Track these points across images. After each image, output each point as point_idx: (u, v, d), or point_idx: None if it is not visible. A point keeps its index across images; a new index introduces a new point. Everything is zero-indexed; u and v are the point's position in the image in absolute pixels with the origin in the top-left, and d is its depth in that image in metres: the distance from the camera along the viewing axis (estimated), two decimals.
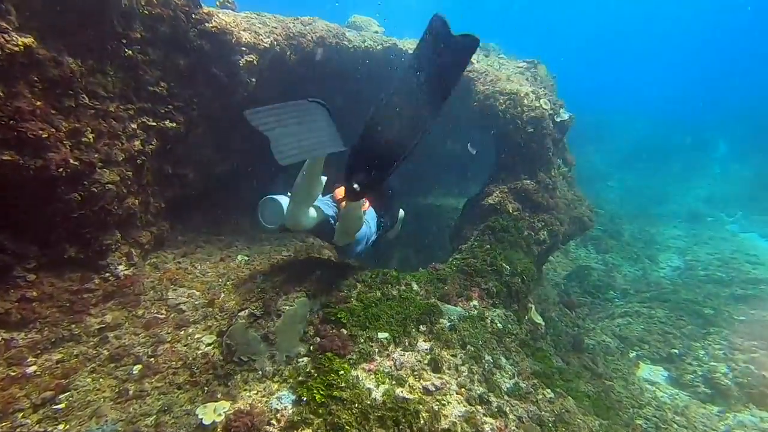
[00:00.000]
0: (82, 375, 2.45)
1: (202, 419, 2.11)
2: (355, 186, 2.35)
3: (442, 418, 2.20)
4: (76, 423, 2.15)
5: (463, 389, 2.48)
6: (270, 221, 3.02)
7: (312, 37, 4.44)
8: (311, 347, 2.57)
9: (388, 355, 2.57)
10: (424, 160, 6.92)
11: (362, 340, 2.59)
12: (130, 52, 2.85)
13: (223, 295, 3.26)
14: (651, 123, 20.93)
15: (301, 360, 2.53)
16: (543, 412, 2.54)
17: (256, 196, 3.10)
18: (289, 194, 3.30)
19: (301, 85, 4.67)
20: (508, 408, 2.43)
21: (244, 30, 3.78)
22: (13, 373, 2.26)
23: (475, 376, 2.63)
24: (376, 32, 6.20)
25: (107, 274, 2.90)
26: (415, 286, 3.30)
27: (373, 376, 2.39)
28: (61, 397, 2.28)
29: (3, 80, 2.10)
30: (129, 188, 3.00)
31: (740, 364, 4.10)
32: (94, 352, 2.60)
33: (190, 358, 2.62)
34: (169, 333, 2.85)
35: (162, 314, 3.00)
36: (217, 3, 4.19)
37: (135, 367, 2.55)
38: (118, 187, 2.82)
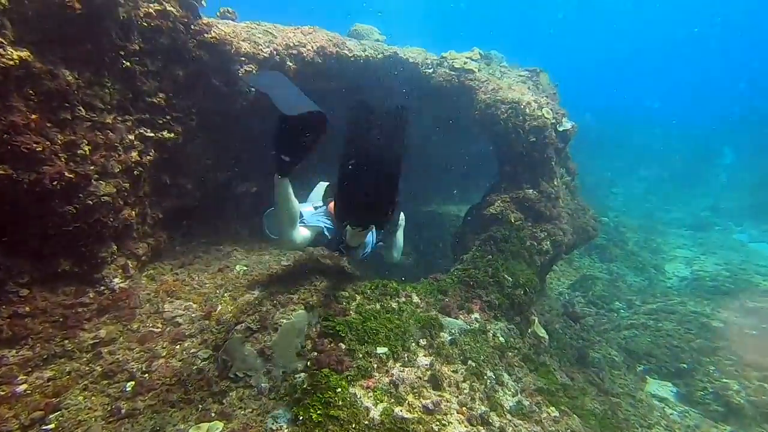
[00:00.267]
0: (74, 393, 2.39)
1: None
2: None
3: None
4: None
5: (464, 408, 2.40)
6: (276, 233, 3.06)
7: (312, 47, 4.44)
8: (308, 362, 2.51)
9: (386, 371, 2.50)
10: (424, 167, 6.89)
11: (360, 355, 2.52)
12: (128, 63, 2.84)
13: (220, 307, 3.21)
14: (655, 130, 20.84)
15: (298, 376, 2.46)
16: None
17: (255, 205, 3.09)
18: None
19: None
20: (510, 429, 2.35)
21: (243, 40, 3.78)
22: (2, 393, 2.21)
23: (477, 394, 2.55)
24: (378, 40, 6.20)
25: (102, 288, 2.85)
26: (415, 298, 3.23)
27: (371, 394, 2.32)
28: (51, 417, 2.22)
29: None
30: (126, 200, 2.97)
31: (754, 382, 3.95)
32: (87, 368, 2.54)
33: (185, 374, 2.56)
34: (164, 347, 2.79)
35: (158, 328, 2.95)
36: (217, 13, 4.20)
37: (128, 384, 2.49)
38: (114, 199, 2.79)
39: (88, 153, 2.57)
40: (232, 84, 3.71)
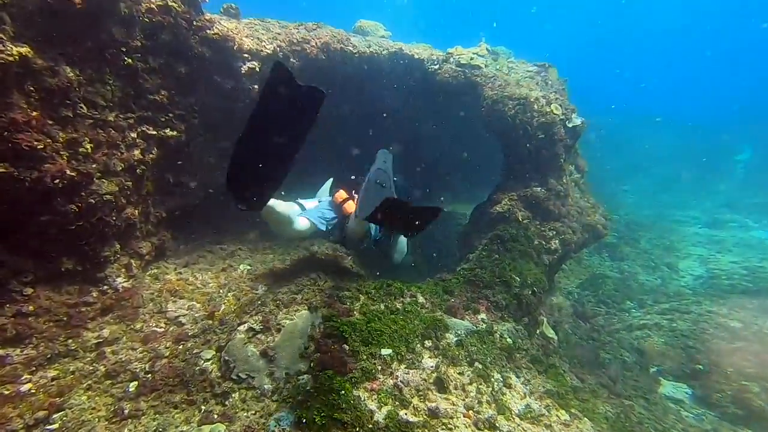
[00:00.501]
0: (78, 393, 2.38)
1: None
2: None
3: None
4: None
5: (470, 411, 2.33)
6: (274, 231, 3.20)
7: (316, 43, 4.38)
8: (312, 364, 2.46)
9: (391, 373, 2.44)
10: (431, 165, 6.81)
11: (365, 357, 2.47)
12: (129, 60, 2.81)
13: (223, 307, 3.18)
14: (668, 125, 20.33)
15: (301, 378, 2.42)
16: None
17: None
18: (299, 200, 3.41)
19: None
20: None
21: (246, 37, 3.73)
22: (6, 392, 2.20)
23: (484, 397, 2.48)
24: (383, 37, 6.12)
25: (105, 287, 2.84)
26: (420, 299, 3.17)
27: (375, 396, 2.27)
28: (55, 416, 2.21)
29: None
30: (128, 198, 2.95)
31: None
32: (91, 368, 2.53)
33: (188, 375, 2.53)
34: (167, 347, 2.77)
35: (161, 328, 2.93)
36: (221, 9, 4.16)
37: (131, 384, 2.48)
38: (116, 198, 2.77)
39: (90, 151, 2.55)
40: (235, 81, 3.67)
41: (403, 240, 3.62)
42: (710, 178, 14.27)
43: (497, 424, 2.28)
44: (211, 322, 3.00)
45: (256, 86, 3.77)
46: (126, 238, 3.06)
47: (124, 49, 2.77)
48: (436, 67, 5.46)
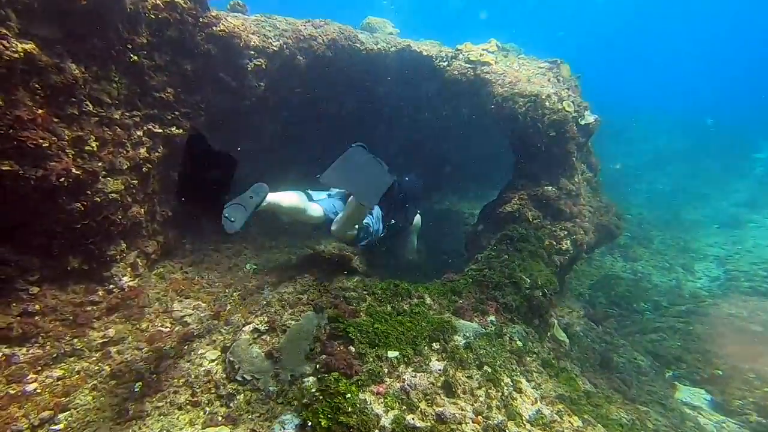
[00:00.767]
0: (83, 392, 2.37)
1: None
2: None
3: None
4: None
5: (479, 417, 2.26)
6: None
7: (323, 40, 4.32)
8: (317, 366, 2.42)
9: (398, 376, 2.38)
10: (439, 164, 6.72)
11: (371, 359, 2.41)
12: (135, 57, 2.79)
13: (229, 306, 3.16)
14: (684, 122, 19.79)
15: (306, 380, 2.37)
16: None
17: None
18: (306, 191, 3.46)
19: (312, 89, 4.57)
20: None
21: (252, 33, 3.70)
22: (12, 391, 2.20)
23: (493, 402, 2.40)
24: (391, 34, 6.04)
25: (111, 286, 2.83)
26: (428, 300, 3.10)
27: (381, 400, 2.21)
28: (60, 416, 2.21)
29: (2, 88, 2.05)
30: (134, 197, 2.93)
31: None
32: (96, 368, 2.52)
33: (193, 376, 2.51)
34: (172, 348, 2.75)
35: (166, 327, 2.91)
36: (228, 6, 4.13)
37: (136, 385, 2.46)
38: (122, 196, 2.76)
39: (95, 149, 2.53)
40: (241, 79, 3.64)
41: (414, 238, 3.56)
42: (728, 176, 13.80)
43: (507, 430, 2.20)
44: (216, 322, 2.98)
45: (262, 84, 3.73)
46: (132, 236, 3.05)
47: (129, 46, 2.75)
48: (445, 63, 5.36)
